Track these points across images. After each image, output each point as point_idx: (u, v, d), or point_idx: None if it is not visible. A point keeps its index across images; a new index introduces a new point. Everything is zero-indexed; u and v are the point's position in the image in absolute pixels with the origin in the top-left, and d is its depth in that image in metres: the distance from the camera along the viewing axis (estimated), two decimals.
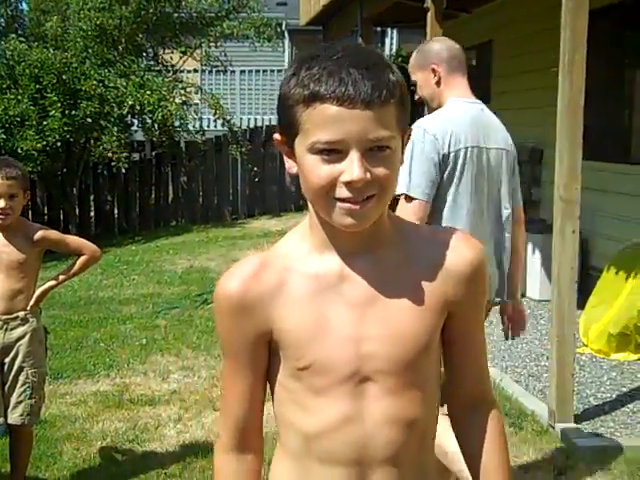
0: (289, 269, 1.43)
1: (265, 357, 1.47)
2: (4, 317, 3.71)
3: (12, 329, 3.73)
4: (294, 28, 16.09)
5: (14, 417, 3.75)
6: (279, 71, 16.52)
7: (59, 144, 11.93)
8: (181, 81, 13.92)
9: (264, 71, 17.65)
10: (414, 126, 3.06)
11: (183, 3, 14.49)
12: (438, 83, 3.33)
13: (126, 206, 13.80)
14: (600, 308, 5.85)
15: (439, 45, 3.44)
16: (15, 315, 3.73)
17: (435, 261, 1.44)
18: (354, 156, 1.30)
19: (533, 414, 4.67)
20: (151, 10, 13.71)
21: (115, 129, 12.26)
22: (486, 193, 3.26)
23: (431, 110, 3.39)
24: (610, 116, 7.19)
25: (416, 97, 3.40)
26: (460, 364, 1.52)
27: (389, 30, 15.95)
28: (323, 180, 1.32)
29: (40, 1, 17.78)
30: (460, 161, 3.15)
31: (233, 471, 1.52)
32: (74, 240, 4.15)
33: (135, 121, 13.63)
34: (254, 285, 1.42)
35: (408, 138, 1.42)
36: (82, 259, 3.94)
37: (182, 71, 15.00)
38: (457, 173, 3.15)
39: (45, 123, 11.84)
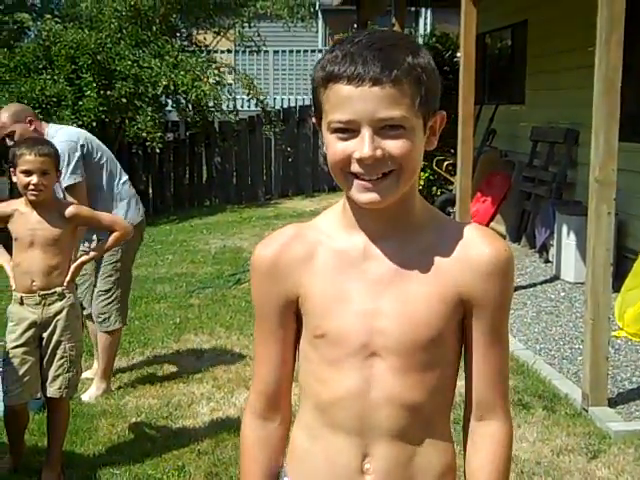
0: (319, 242, 1.51)
1: (293, 324, 1.55)
2: (42, 293, 3.77)
3: (50, 304, 3.79)
4: (328, 8, 16.01)
5: (52, 390, 3.82)
6: (312, 51, 16.47)
7: (94, 124, 11.99)
8: (215, 61, 13.91)
9: (297, 51, 17.58)
10: None
11: None
12: None
13: (161, 186, 13.88)
14: (636, 291, 5.77)
15: None
16: (53, 291, 3.79)
17: (457, 253, 1.46)
18: (365, 134, 1.35)
19: (567, 397, 4.65)
20: None
21: (149, 109, 12.30)
22: None
23: None
24: None
25: None
26: (475, 367, 1.50)
27: (423, 10, 15.82)
28: (338, 157, 1.39)
29: None
30: None
31: (259, 437, 1.60)
32: (106, 216, 4.20)
33: (169, 101, 13.67)
34: (287, 252, 1.52)
35: (442, 122, 1.46)
36: (114, 235, 4.00)
37: (216, 51, 15.03)
38: None
39: (81, 103, 11.92)
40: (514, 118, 9.78)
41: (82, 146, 4.77)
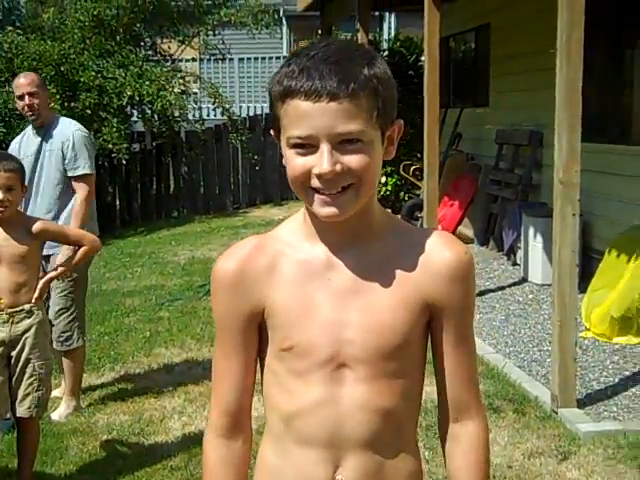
0: (282, 253, 1.50)
1: (256, 340, 1.53)
2: (10, 310, 3.73)
3: (18, 322, 3.75)
4: (292, 14, 16.03)
5: (22, 410, 3.77)
6: (277, 58, 16.50)
7: None
8: (180, 70, 13.86)
9: (262, 58, 17.58)
10: None
11: None
12: None
13: (128, 197, 13.79)
14: (602, 291, 5.85)
15: None
16: (20, 308, 3.75)
17: (419, 259, 1.47)
18: (324, 149, 1.35)
19: (537, 400, 4.69)
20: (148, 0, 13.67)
21: (115, 120, 12.23)
22: None
23: None
24: (610, 97, 7.17)
25: None
26: (447, 370, 1.51)
27: (387, 15, 15.89)
28: (297, 172, 1.39)
29: None
30: None
31: (221, 456, 1.57)
32: (73, 231, 4.17)
33: (135, 112, 13.60)
34: (249, 265, 1.50)
35: (399, 131, 1.46)
36: (82, 250, 3.96)
37: (180, 60, 14.97)
38: None
39: None
40: (479, 121, 9.86)
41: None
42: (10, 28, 13.83)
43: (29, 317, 3.77)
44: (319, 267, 1.47)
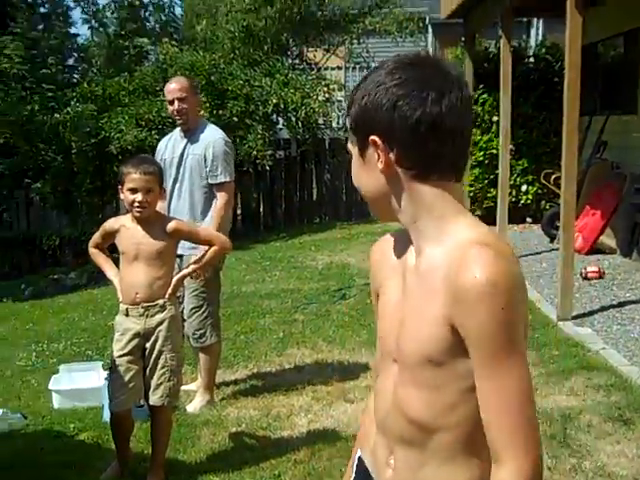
0: None
1: None
2: (145, 304, 3.96)
3: (152, 316, 3.98)
4: (437, 22, 15.98)
5: (155, 398, 4.01)
6: None
7: None
8: (324, 78, 14.12)
9: None
10: None
11: (327, 1, 14.72)
12: None
13: (271, 203, 14.15)
14: None
15: None
16: (155, 303, 3.98)
17: (448, 276, 1.40)
18: None
19: None
20: (295, 9, 14.01)
21: (260, 127, 12.58)
22: None
23: None
24: None
25: None
26: (479, 402, 1.41)
27: (534, 20, 15.60)
28: None
29: (193, 4, 18.50)
30: None
31: None
32: (205, 232, 4.38)
33: (280, 119, 13.94)
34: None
35: (376, 145, 1.49)
36: (212, 250, 4.15)
37: (326, 69, 15.25)
38: None
39: None
40: (626, 128, 9.53)
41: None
42: (166, 40, 14.52)
43: (162, 311, 3.99)
44: (406, 268, 1.56)
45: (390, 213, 1.52)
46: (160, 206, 4.25)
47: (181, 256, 4.76)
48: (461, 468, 1.47)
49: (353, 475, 1.72)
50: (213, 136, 5.15)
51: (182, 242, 4.91)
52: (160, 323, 3.99)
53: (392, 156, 1.44)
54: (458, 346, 1.40)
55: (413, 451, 1.51)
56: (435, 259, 1.45)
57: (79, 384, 5.40)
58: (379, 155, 1.45)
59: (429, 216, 1.47)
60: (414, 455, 1.51)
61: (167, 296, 4.01)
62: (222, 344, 5.56)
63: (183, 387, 5.48)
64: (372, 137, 1.45)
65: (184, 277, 4.20)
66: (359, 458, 1.71)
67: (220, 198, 5.06)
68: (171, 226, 4.02)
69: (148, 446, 4.30)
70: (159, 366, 4.00)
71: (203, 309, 5.13)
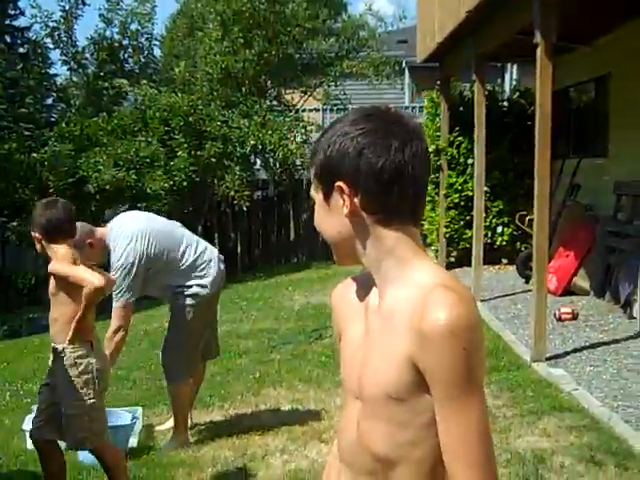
0: None
1: None
2: (52, 345, 4.06)
3: (53, 360, 4.04)
4: (413, 65, 16.25)
5: (67, 442, 4.14)
6: (399, 108, 16.67)
7: (185, 184, 12.47)
8: (302, 120, 14.28)
9: None
10: None
11: (304, 44, 14.93)
12: None
13: (249, 243, 14.21)
14: None
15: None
16: (55, 346, 4.01)
17: (413, 314, 1.44)
18: None
19: None
20: (274, 52, 14.20)
21: (237, 168, 12.72)
22: None
23: None
24: None
25: None
26: (439, 435, 1.45)
27: (508, 65, 15.90)
28: None
29: (172, 46, 18.67)
30: None
31: None
32: (75, 272, 4.21)
33: (258, 160, 14.07)
34: None
35: (341, 190, 1.54)
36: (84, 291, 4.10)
37: (303, 110, 15.42)
38: None
39: (172, 163, 12.43)
40: (597, 171, 9.70)
41: (138, 261, 4.95)
42: (144, 81, 14.63)
43: (60, 357, 3.96)
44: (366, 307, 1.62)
45: (353, 256, 1.57)
46: None
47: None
48: None
49: None
50: (112, 265, 4.99)
51: (167, 283, 5.00)
52: (56, 370, 3.98)
53: (357, 201, 1.50)
54: (419, 383, 1.44)
55: None
56: (398, 300, 1.49)
57: None
58: (344, 200, 1.50)
59: (391, 259, 1.52)
60: None
61: (67, 341, 3.93)
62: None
63: (158, 427, 5.50)
64: (338, 183, 1.50)
65: (77, 321, 3.95)
66: None
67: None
68: (49, 267, 3.96)
69: None
70: (63, 414, 3.98)
71: (169, 348, 5.18)
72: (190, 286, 5.10)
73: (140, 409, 5.41)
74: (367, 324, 1.57)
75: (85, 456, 4.73)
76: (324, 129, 1.58)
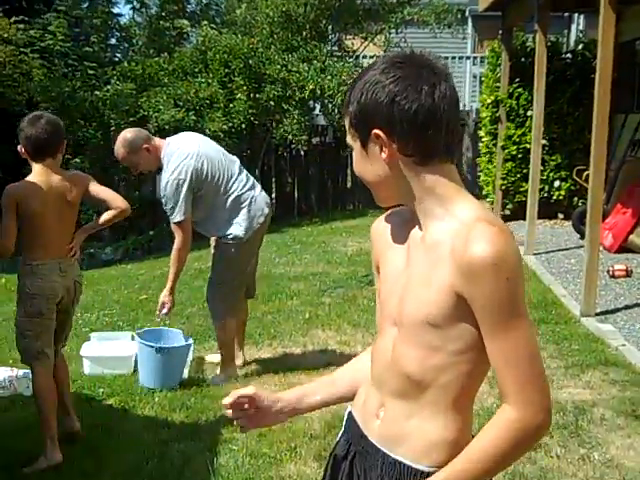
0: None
1: None
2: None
3: None
4: (476, 14, 15.97)
5: None
6: (460, 58, 16.44)
7: (244, 126, 12.55)
8: (362, 66, 14.17)
9: (445, 57, 17.56)
10: None
11: None
12: None
13: (306, 188, 14.28)
14: None
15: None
16: None
17: (455, 247, 1.55)
18: None
19: None
20: None
21: (296, 112, 12.71)
22: None
23: None
24: None
25: None
26: (489, 355, 1.57)
27: (575, 16, 15.52)
28: None
29: None
30: None
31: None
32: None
33: (317, 105, 14.04)
34: None
35: (377, 137, 1.62)
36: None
37: (364, 57, 15.29)
38: None
39: (232, 105, 12.49)
40: None
41: (190, 179, 5.03)
42: (205, 23, 14.66)
43: None
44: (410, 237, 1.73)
45: (394, 198, 1.68)
46: None
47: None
48: (443, 425, 1.65)
49: (343, 424, 1.90)
50: (163, 180, 5.10)
51: (213, 213, 5.17)
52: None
53: (394, 146, 1.59)
54: (457, 312, 1.56)
55: (403, 404, 1.67)
56: (442, 234, 1.60)
57: (109, 352, 5.61)
58: (382, 147, 1.60)
59: (432, 197, 1.62)
60: (403, 407, 1.67)
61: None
62: (248, 323, 5.77)
63: (207, 358, 5.70)
64: (375, 131, 1.59)
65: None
66: (349, 412, 1.88)
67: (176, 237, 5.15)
68: None
69: (171, 413, 4.50)
70: None
71: (212, 285, 5.36)
72: (233, 224, 5.18)
73: (192, 341, 5.57)
74: (409, 255, 1.68)
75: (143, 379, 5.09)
76: (355, 78, 1.66)
